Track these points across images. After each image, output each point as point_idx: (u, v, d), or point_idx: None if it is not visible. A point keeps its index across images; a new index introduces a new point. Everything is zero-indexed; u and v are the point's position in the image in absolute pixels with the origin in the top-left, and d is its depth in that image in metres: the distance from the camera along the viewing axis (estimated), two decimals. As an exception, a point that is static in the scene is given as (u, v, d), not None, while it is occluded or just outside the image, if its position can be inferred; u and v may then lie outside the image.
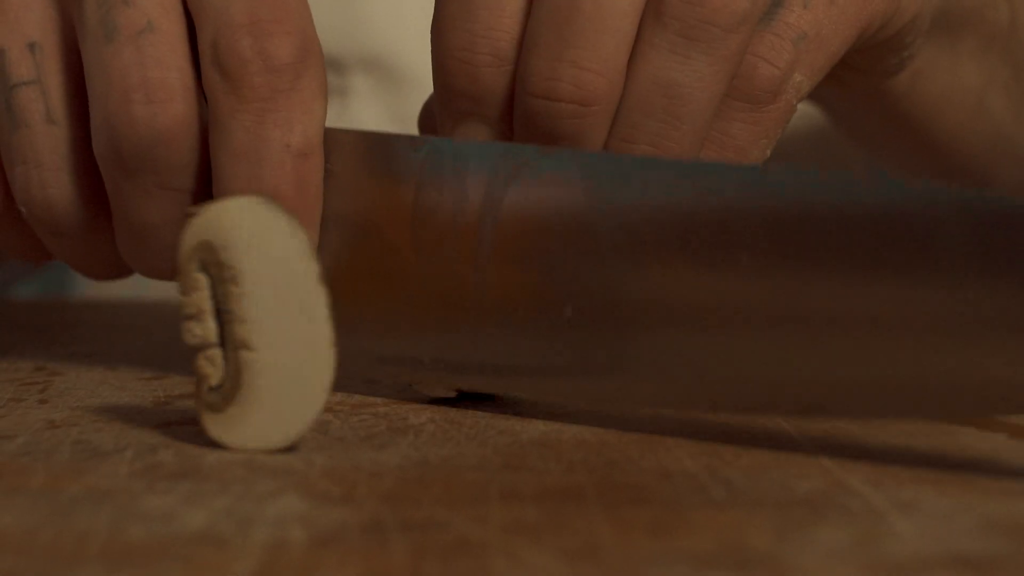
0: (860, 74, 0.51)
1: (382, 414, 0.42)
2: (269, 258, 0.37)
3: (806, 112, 0.66)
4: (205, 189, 0.43)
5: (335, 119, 0.69)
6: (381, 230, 0.43)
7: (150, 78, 0.41)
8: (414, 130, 0.47)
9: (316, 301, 0.37)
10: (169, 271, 0.45)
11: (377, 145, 0.43)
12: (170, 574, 0.28)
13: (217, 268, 0.37)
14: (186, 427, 0.40)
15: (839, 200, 0.36)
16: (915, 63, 0.53)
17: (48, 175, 0.44)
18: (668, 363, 0.39)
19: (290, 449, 0.37)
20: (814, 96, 0.58)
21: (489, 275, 0.41)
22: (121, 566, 0.28)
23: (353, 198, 0.43)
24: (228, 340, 0.37)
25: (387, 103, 0.72)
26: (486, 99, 0.42)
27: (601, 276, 0.40)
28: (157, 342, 0.57)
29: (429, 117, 0.46)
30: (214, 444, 0.37)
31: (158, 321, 0.66)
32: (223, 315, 0.37)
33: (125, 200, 0.43)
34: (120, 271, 0.48)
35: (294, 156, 0.42)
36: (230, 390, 0.37)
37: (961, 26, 0.56)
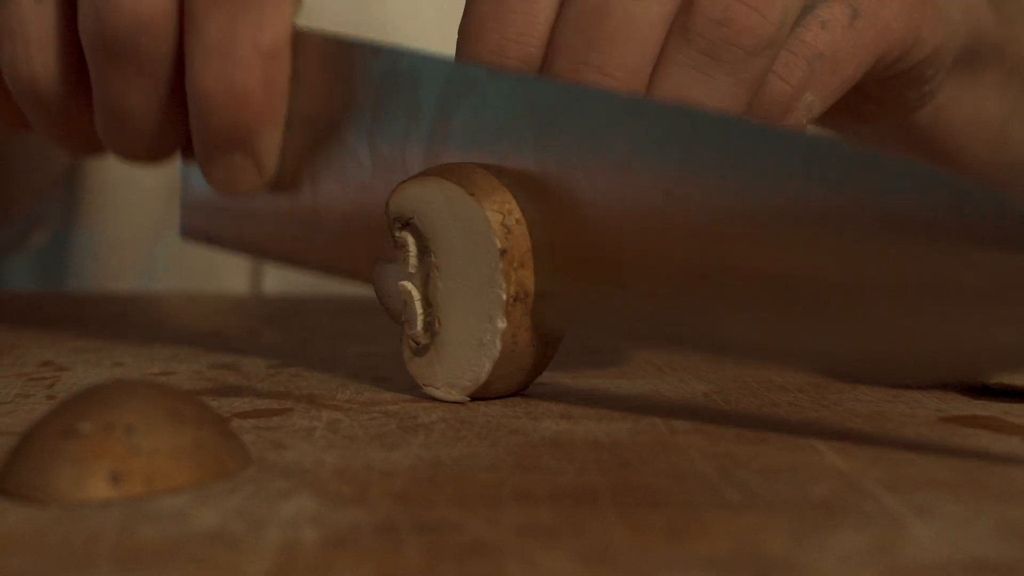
0: (881, 108, 0.51)
1: (392, 412, 0.42)
2: (457, 231, 0.40)
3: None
4: (181, 79, 0.44)
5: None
6: (341, 134, 0.44)
7: None
8: None
9: (494, 271, 0.40)
10: (142, 153, 0.47)
11: (341, 50, 0.44)
12: (182, 575, 0.27)
13: (417, 235, 0.41)
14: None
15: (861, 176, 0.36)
16: (937, 98, 0.53)
17: (33, 51, 0.45)
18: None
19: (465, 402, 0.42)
20: (836, 128, 0.58)
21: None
22: (132, 567, 0.28)
23: (316, 100, 0.44)
24: (427, 295, 0.42)
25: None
26: None
27: (542, 198, 0.40)
28: (164, 336, 0.57)
29: None
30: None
31: (165, 315, 0.66)
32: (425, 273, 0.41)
33: (106, 83, 0.45)
34: (96, 148, 0.49)
35: (263, 55, 0.43)
36: (427, 340, 0.42)
37: (984, 60, 0.56)
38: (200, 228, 0.50)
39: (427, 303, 0.42)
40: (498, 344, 0.41)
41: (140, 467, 0.32)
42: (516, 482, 0.34)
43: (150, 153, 0.47)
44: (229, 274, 0.67)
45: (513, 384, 0.42)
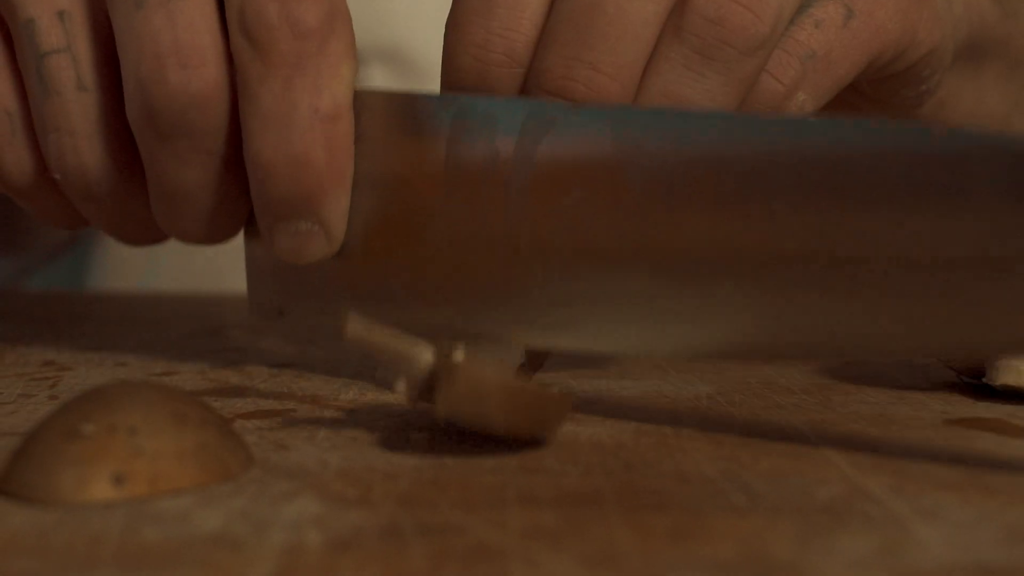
0: (878, 106, 0.51)
1: (396, 413, 0.41)
2: None
3: None
4: (237, 152, 0.43)
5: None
6: (413, 188, 0.42)
7: (182, 42, 0.41)
8: None
9: None
10: (205, 234, 0.45)
11: (406, 105, 0.43)
12: (186, 578, 0.27)
13: None
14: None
15: (870, 143, 0.36)
16: (939, 94, 0.53)
17: (81, 142, 0.44)
18: (702, 310, 0.39)
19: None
20: None
21: (522, 227, 0.41)
22: (135, 569, 0.28)
23: (384, 158, 0.43)
24: None
25: None
26: None
27: (634, 224, 0.39)
28: (166, 336, 0.57)
29: None
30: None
31: (166, 315, 0.66)
32: None
33: (159, 164, 0.43)
34: (155, 235, 0.48)
35: (323, 120, 0.41)
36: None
37: (986, 54, 0.56)
38: (269, 302, 0.48)
39: None
40: None
41: (143, 469, 0.32)
42: (520, 484, 0.34)
43: (214, 233, 0.45)
44: (233, 274, 0.67)
45: None
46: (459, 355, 0.36)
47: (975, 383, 0.45)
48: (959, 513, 0.32)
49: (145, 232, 0.47)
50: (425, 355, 0.36)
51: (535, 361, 0.45)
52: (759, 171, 0.37)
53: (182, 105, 0.41)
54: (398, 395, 0.44)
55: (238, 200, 0.44)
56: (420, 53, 0.71)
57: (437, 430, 0.39)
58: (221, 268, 0.68)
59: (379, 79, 0.72)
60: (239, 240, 0.48)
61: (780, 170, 0.37)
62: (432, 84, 0.71)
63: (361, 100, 0.42)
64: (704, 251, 0.38)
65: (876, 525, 0.31)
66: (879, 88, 0.49)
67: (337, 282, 0.45)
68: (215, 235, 0.46)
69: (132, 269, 0.81)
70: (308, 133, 0.41)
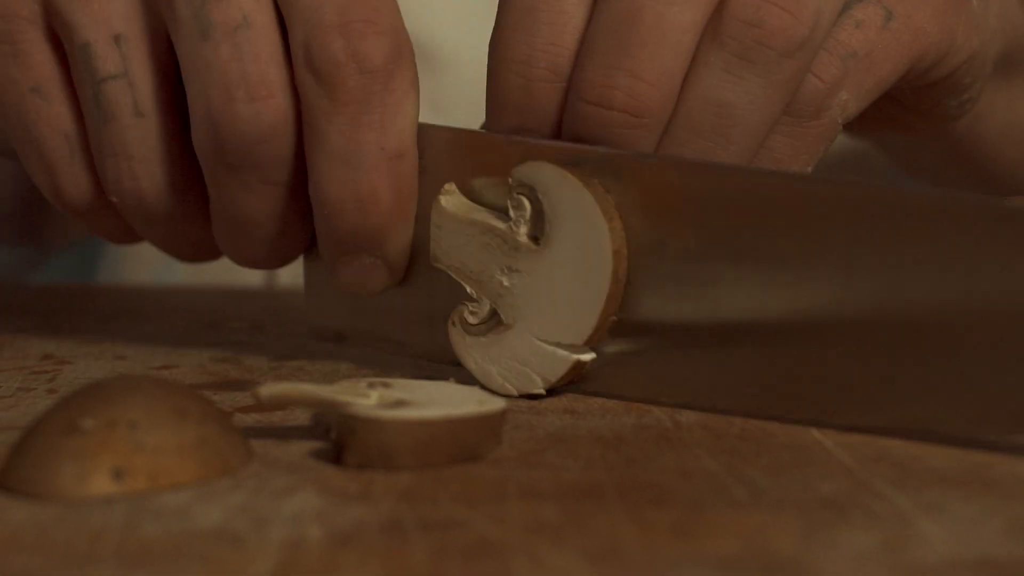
0: (921, 118, 0.51)
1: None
2: (575, 224, 0.41)
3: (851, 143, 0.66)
4: (302, 182, 0.43)
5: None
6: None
7: (250, 74, 0.42)
8: (448, 111, 0.47)
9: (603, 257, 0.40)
10: (264, 260, 0.46)
11: (471, 141, 0.43)
12: (187, 574, 0.27)
13: (536, 204, 0.41)
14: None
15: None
16: (976, 107, 0.53)
17: (139, 167, 0.44)
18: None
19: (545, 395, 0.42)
20: (875, 137, 0.57)
21: None
22: (136, 565, 0.28)
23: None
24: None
25: (422, 86, 0.72)
26: (536, 113, 0.42)
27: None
28: (166, 329, 0.57)
29: None
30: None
31: (166, 307, 0.66)
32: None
33: (225, 193, 0.44)
34: (210, 254, 0.48)
35: (389, 158, 0.42)
36: (486, 320, 0.43)
37: (1019, 64, 0.56)
38: (328, 327, 0.49)
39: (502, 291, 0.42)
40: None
41: (143, 463, 0.32)
42: (521, 479, 0.34)
43: (274, 258, 0.46)
44: (246, 270, 0.67)
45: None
46: (370, 400, 0.36)
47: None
48: (962, 508, 0.32)
49: (200, 251, 0.48)
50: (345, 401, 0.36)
51: None
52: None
53: (252, 137, 0.42)
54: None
55: (301, 228, 0.45)
56: (437, 44, 0.71)
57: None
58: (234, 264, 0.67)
59: None
60: None
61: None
62: (448, 74, 0.70)
63: (425, 135, 0.43)
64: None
65: (879, 520, 0.31)
66: (922, 98, 0.49)
67: (397, 309, 0.46)
68: (276, 260, 0.46)
69: (147, 263, 0.81)
70: (375, 171, 0.42)
